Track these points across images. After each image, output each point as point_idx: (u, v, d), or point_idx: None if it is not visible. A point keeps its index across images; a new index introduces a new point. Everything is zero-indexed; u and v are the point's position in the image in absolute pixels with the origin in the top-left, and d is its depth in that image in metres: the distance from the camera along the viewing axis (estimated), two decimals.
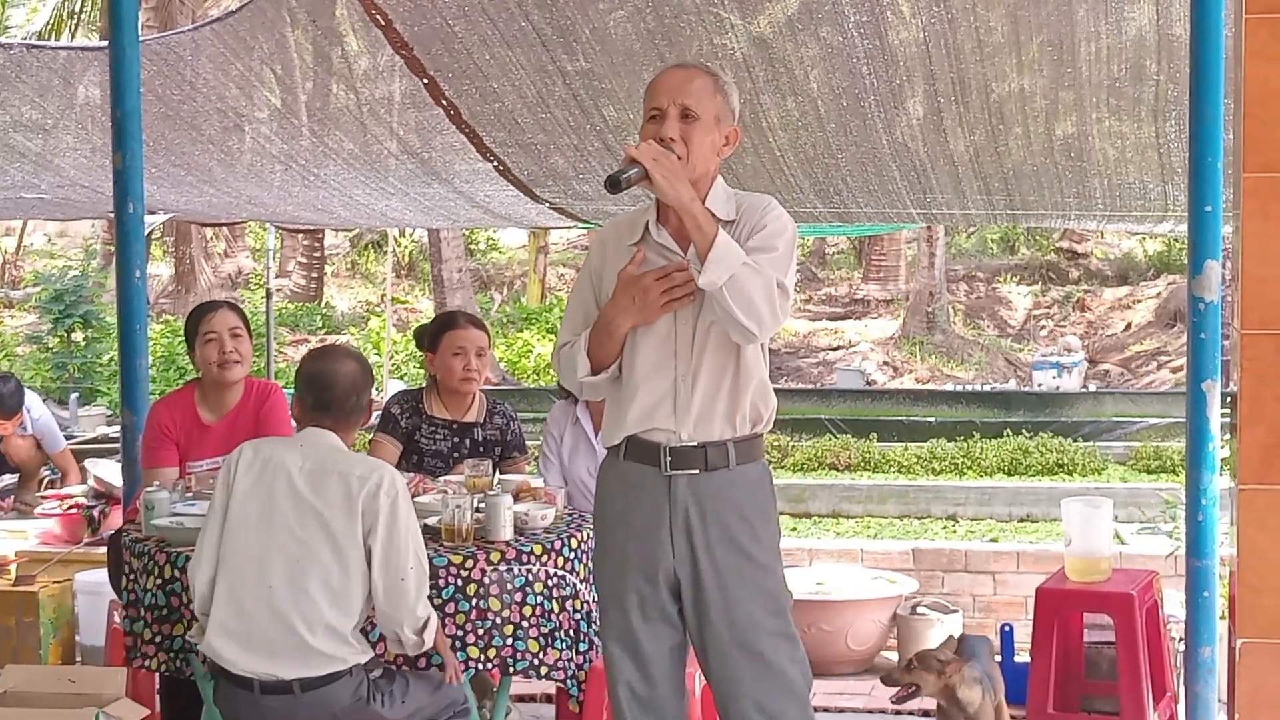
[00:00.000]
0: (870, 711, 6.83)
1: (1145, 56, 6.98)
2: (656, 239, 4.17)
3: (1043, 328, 28.30)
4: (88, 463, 8.73)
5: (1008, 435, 16.25)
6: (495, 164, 9.02)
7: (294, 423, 4.87)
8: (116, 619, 5.87)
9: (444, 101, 8.09)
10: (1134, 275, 30.32)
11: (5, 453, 9.57)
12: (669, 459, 4.13)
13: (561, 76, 7.66)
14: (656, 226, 4.18)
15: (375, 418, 6.16)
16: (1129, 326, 27.79)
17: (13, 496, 9.46)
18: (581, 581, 5.13)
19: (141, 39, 6.87)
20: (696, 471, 4.13)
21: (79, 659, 7.34)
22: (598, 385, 4.25)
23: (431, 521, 5.09)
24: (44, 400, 10.26)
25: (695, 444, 4.13)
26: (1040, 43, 7.14)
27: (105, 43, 6.88)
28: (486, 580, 4.84)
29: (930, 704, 6.61)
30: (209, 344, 5.94)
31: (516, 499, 5.28)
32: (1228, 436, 5.10)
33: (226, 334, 5.95)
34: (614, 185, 3.95)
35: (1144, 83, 7.18)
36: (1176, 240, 23.17)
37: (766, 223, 4.11)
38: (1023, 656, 6.58)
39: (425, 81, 7.85)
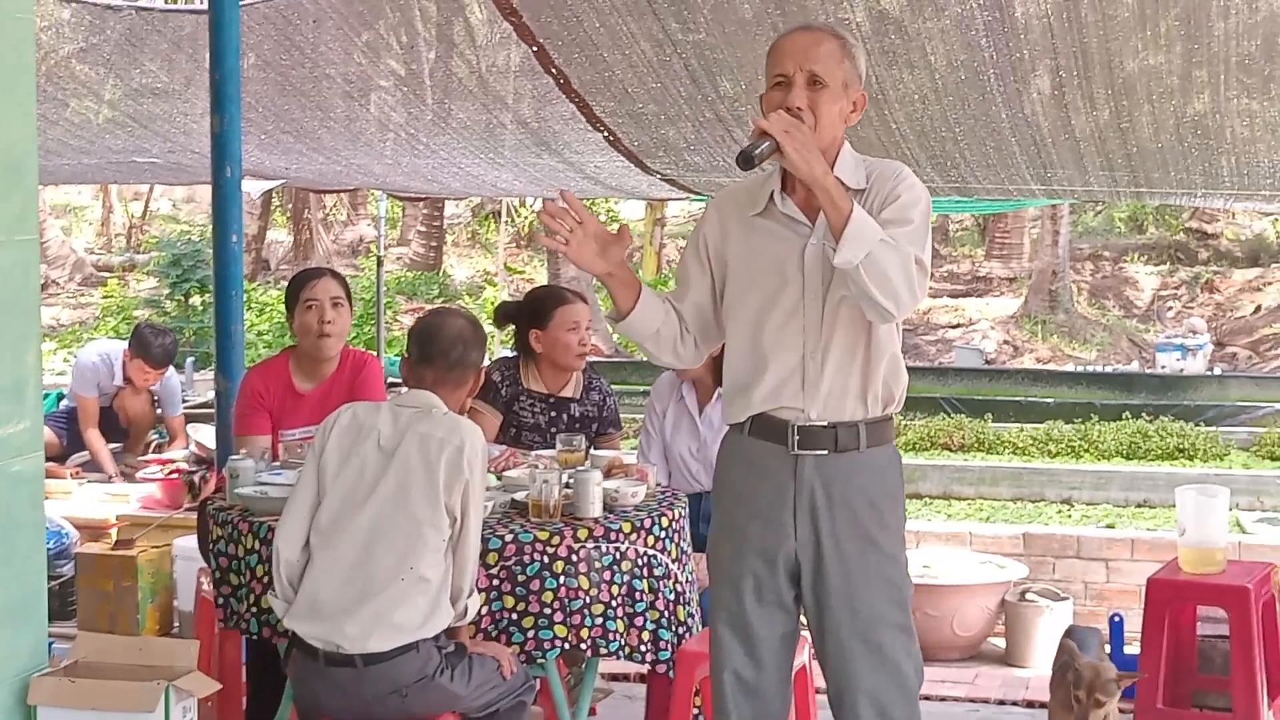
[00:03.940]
0: (973, 700, 6.67)
1: (1279, 32, 6.76)
2: (782, 210, 3.99)
3: (1169, 309, 27.81)
4: (190, 428, 8.79)
5: (1127, 418, 15.94)
6: (605, 134, 8.91)
7: (403, 388, 4.81)
8: (205, 586, 5.83)
9: (554, 70, 8.00)
10: (1265, 257, 29.72)
11: (119, 409, 9.66)
12: (797, 438, 3.96)
13: (674, 46, 7.53)
14: (781, 197, 3.99)
15: None
16: (1258, 309, 27.23)
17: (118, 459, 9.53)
18: (674, 561, 5.01)
19: (244, 2, 6.82)
20: (825, 452, 3.95)
21: (176, 624, 7.36)
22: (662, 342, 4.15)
23: (519, 496, 5.00)
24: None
25: (825, 424, 3.95)
26: (1171, 19, 6.94)
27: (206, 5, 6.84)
28: (574, 558, 4.73)
29: (1038, 694, 6.45)
30: (309, 311, 5.89)
31: (607, 475, 5.17)
32: None
33: (328, 302, 5.89)
34: (747, 161, 3.74)
35: (1276, 60, 6.96)
36: None
37: (900, 193, 3.90)
38: (1133, 647, 6.41)
39: (535, 49, 7.76)
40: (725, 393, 4.17)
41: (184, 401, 10.83)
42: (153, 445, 9.85)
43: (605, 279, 4.06)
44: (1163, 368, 21.69)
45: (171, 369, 9.83)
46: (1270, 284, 28.33)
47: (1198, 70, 7.30)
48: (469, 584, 4.48)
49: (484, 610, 4.65)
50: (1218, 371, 21.66)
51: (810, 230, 3.94)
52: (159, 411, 9.95)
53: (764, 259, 3.99)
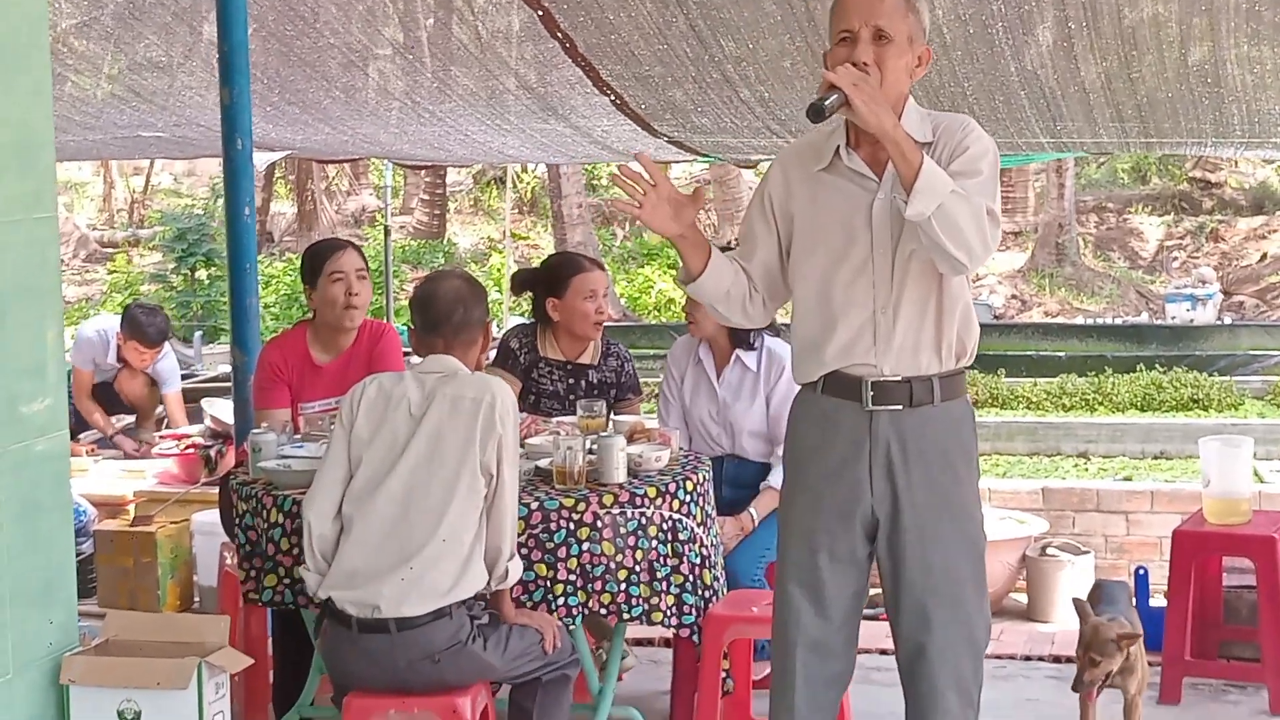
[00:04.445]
0: (999, 657, 6.64)
1: None
2: (848, 164, 3.95)
3: (1175, 259, 27.74)
4: (204, 402, 8.76)
5: (1140, 370, 15.90)
6: (612, 98, 8.87)
7: (415, 357, 4.79)
8: (228, 560, 5.82)
9: (559, 34, 7.95)
10: (1270, 204, 29.60)
11: (118, 390, 9.63)
12: (871, 394, 3.94)
13: (679, 6, 7.49)
14: (847, 151, 3.95)
15: (492, 353, 6.05)
16: (1264, 257, 27.15)
17: (132, 435, 9.51)
18: (699, 525, 4.99)
19: None
20: (900, 407, 3.93)
21: (197, 599, 7.35)
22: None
23: (543, 463, 4.98)
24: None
25: (898, 379, 3.93)
26: None
27: None
28: (599, 524, 4.71)
29: (1063, 649, 6.44)
30: (335, 284, 5.83)
31: (630, 440, 5.15)
32: None
33: (354, 275, 5.86)
34: (817, 114, 3.69)
35: None
36: None
37: (968, 144, 3.87)
38: (1158, 600, 6.40)
39: (540, 13, 7.71)
40: (795, 351, 4.14)
41: (194, 376, 10.81)
42: (165, 421, 9.83)
43: (677, 241, 4.05)
44: (1173, 318, 21.66)
45: (167, 346, 9.77)
46: (1275, 231, 28.25)
47: (1199, 18, 7.25)
48: (508, 545, 4.45)
49: None
50: (1227, 321, 21.62)
51: (877, 185, 3.91)
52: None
53: (831, 214, 3.97)
